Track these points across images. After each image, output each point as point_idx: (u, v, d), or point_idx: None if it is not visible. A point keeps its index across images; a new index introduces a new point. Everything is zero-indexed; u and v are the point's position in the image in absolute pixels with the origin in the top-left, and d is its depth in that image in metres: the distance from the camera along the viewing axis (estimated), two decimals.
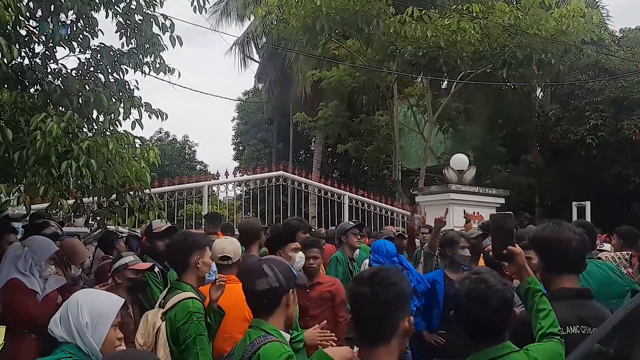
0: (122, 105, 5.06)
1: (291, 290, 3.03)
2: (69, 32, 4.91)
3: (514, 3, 15.53)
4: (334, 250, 7.31)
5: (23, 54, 4.84)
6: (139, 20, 5.24)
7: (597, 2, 21.97)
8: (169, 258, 4.21)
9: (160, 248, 5.35)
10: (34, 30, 4.87)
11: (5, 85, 4.60)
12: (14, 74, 4.65)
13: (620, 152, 19.10)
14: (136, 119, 5.16)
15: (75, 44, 5.08)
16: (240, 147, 36.44)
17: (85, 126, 4.96)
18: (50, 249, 4.51)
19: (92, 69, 5.18)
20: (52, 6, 4.68)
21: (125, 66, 5.34)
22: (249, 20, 24.82)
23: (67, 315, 2.70)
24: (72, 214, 5.66)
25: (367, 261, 6.42)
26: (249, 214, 17.49)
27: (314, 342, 3.87)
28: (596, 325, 2.94)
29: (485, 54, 15.11)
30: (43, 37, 4.88)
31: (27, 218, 6.08)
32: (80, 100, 4.68)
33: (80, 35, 5.05)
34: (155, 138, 39.99)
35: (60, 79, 4.87)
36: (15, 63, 4.61)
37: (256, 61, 29.49)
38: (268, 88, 28.00)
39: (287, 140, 29.88)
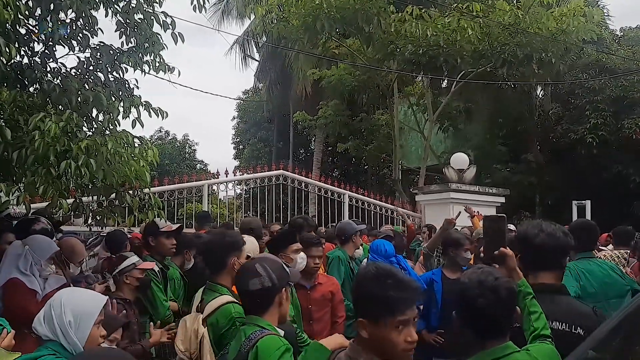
0: (121, 104, 5.05)
1: (284, 288, 3.05)
2: (68, 31, 4.91)
3: (514, 2, 15.50)
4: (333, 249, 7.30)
5: (22, 52, 4.84)
6: (139, 19, 5.23)
7: (598, 1, 21.96)
8: (204, 257, 4.16)
9: (167, 246, 5.44)
10: (34, 29, 4.87)
11: (5, 84, 4.59)
12: (13, 73, 4.64)
13: (621, 151, 19.08)
14: (136, 118, 5.15)
15: (74, 42, 5.07)
16: (241, 146, 36.44)
17: (85, 125, 4.96)
18: (50, 249, 4.51)
19: (91, 67, 5.17)
20: (52, 5, 4.67)
21: (124, 65, 5.33)
22: (249, 19, 24.80)
23: (50, 313, 2.73)
24: (72, 213, 5.65)
25: (365, 260, 6.43)
26: (249, 212, 17.50)
27: None
28: (569, 321, 3.00)
29: (486, 53, 15.10)
30: (42, 36, 4.87)
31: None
32: (79, 99, 4.67)
33: (80, 34, 5.04)
34: (156, 137, 40.04)
35: (59, 77, 4.86)
36: (14, 62, 4.61)
37: (256, 60, 29.51)
38: (268, 87, 27.99)
39: (287, 139, 29.87)
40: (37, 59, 4.91)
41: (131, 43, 5.34)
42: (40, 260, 4.39)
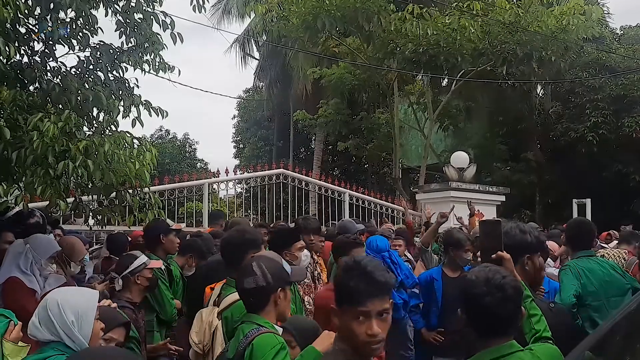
0: (121, 103, 5.05)
1: (280, 289, 3.06)
2: (68, 30, 4.91)
3: (515, 0, 15.50)
4: None
5: (22, 51, 4.84)
6: (139, 18, 5.23)
7: None
8: (223, 254, 4.18)
9: (175, 244, 5.57)
10: (33, 28, 4.87)
11: (5, 84, 4.59)
12: (13, 72, 4.64)
13: (621, 150, 19.10)
14: (136, 117, 5.15)
15: (74, 41, 5.07)
16: (241, 145, 36.44)
17: (85, 125, 4.96)
18: (51, 248, 4.51)
19: (91, 67, 5.17)
20: (52, 4, 4.67)
21: (124, 64, 5.33)
22: (250, 17, 24.82)
23: (47, 316, 2.71)
24: (72, 213, 5.67)
25: None
26: (249, 211, 17.51)
27: None
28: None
29: (486, 52, 15.09)
30: (42, 35, 4.87)
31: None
32: (79, 98, 4.67)
33: (80, 33, 5.04)
34: (156, 136, 39.96)
35: (59, 77, 4.86)
36: (14, 61, 4.61)
37: (256, 59, 29.51)
38: (268, 86, 28.00)
39: (288, 138, 29.88)
40: (37, 58, 4.91)
41: (131, 42, 5.35)
42: (40, 259, 4.39)
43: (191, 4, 5.70)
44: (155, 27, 5.32)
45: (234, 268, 3.83)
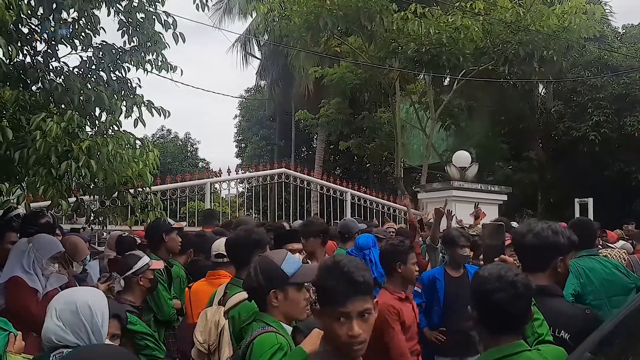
0: (124, 103, 5.05)
1: (274, 290, 3.03)
2: (70, 30, 4.91)
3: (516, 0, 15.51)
4: (335, 247, 7.31)
5: (25, 52, 4.84)
6: (141, 18, 5.24)
7: None
8: (229, 254, 4.18)
9: (177, 243, 5.64)
10: (36, 28, 4.87)
11: (7, 84, 4.60)
12: (15, 72, 4.64)
13: (623, 149, 19.08)
14: (138, 117, 5.15)
15: (77, 41, 5.07)
16: (243, 145, 36.50)
17: (88, 124, 4.96)
18: (53, 248, 4.50)
19: (93, 66, 5.17)
20: (54, 4, 4.68)
21: (127, 64, 5.33)
22: (251, 17, 24.82)
23: (79, 319, 2.67)
24: (75, 213, 5.67)
25: None
26: (251, 211, 17.51)
27: None
28: (553, 325, 2.95)
29: (488, 51, 15.09)
30: (45, 35, 4.88)
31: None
32: (81, 98, 4.67)
33: (82, 33, 5.04)
34: (158, 135, 40.05)
35: (61, 77, 4.86)
36: (17, 61, 4.61)
37: (258, 58, 29.54)
38: (270, 85, 28.03)
39: (289, 138, 29.91)
40: (39, 58, 4.91)
41: (133, 42, 5.35)
42: (42, 259, 4.39)
43: (194, 2, 5.71)
44: (158, 27, 5.33)
45: (241, 268, 3.86)
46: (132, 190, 5.28)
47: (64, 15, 4.87)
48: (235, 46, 28.05)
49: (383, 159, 24.26)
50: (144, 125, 5.23)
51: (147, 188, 5.46)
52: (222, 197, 15.01)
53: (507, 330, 2.57)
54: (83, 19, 5.01)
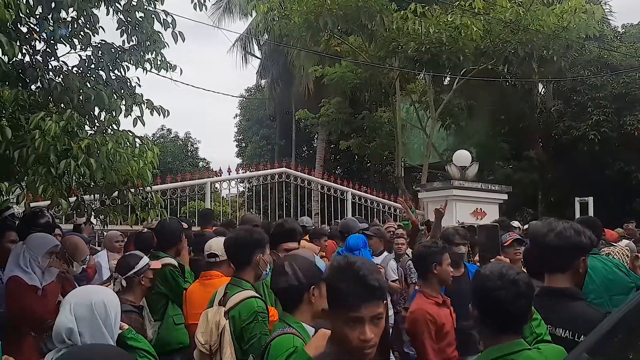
0: (123, 102, 5.04)
1: (313, 286, 3.06)
2: (69, 29, 4.91)
3: None
4: (336, 247, 7.32)
5: (24, 51, 4.83)
6: (140, 17, 5.23)
7: None
8: (229, 253, 4.17)
9: (185, 243, 5.61)
10: (35, 27, 4.87)
11: (6, 83, 4.59)
12: (14, 72, 4.63)
13: (623, 148, 19.11)
14: (137, 116, 5.14)
15: (76, 41, 5.06)
16: (243, 144, 36.50)
17: (87, 123, 4.95)
18: (46, 244, 4.51)
19: (93, 66, 5.16)
20: (53, 3, 4.67)
21: (126, 63, 5.32)
22: (251, 16, 24.82)
23: (93, 315, 2.67)
24: (75, 212, 5.66)
25: None
26: (251, 210, 17.51)
27: None
28: (573, 328, 2.91)
29: (487, 51, 15.10)
30: (44, 35, 4.87)
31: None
32: (81, 98, 4.66)
33: (81, 33, 5.02)
34: (158, 135, 39.99)
35: (61, 76, 4.86)
36: (16, 60, 4.60)
37: (258, 58, 29.54)
38: (270, 85, 28.06)
39: (290, 137, 29.92)
40: (38, 57, 4.90)
41: (132, 41, 5.33)
42: (37, 256, 4.41)
43: (192, 2, 5.70)
44: (157, 26, 5.32)
45: (241, 267, 3.85)
46: (132, 189, 5.27)
47: (63, 14, 4.85)
48: (236, 45, 28.08)
49: (384, 159, 24.25)
50: (143, 125, 5.22)
51: (148, 187, 5.45)
52: (223, 197, 15.02)
53: (507, 329, 2.56)
54: (82, 18, 4.99)
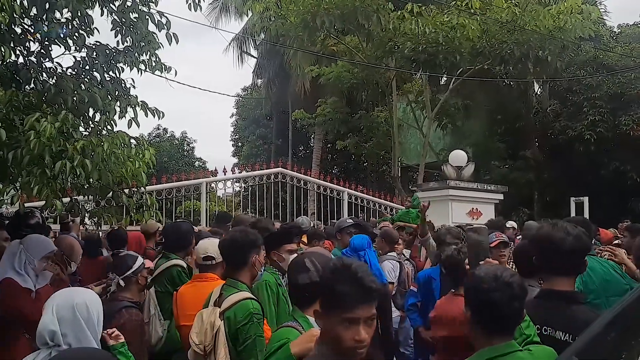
0: (117, 103, 5.04)
1: None
2: (64, 30, 4.90)
3: None
4: (332, 247, 7.31)
5: (18, 52, 4.83)
6: (135, 18, 5.22)
7: None
8: (225, 254, 4.13)
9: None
10: (29, 28, 4.86)
11: (0, 84, 4.59)
12: (8, 73, 4.62)
13: (618, 148, 19.17)
14: (132, 118, 5.13)
15: (70, 42, 5.05)
16: (239, 144, 36.49)
17: (82, 125, 4.95)
18: (45, 248, 4.50)
19: (87, 67, 5.15)
20: (47, 4, 4.66)
21: (121, 64, 5.31)
22: (247, 16, 24.80)
23: (75, 316, 2.68)
24: (69, 213, 5.66)
25: None
26: (247, 210, 17.51)
27: None
28: (572, 332, 2.90)
29: (484, 51, 15.13)
30: (38, 36, 4.86)
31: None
32: (75, 99, 4.65)
33: (76, 34, 5.02)
34: (154, 135, 39.90)
35: (55, 77, 4.85)
36: (10, 61, 4.60)
37: (254, 57, 29.52)
38: (267, 84, 28.03)
39: (286, 137, 29.91)
40: (32, 58, 4.89)
41: (127, 42, 5.32)
42: (33, 259, 4.39)
43: (187, 2, 5.69)
44: (151, 27, 5.31)
45: (236, 268, 3.84)
46: (126, 191, 5.27)
47: (57, 15, 4.85)
48: (232, 45, 28.06)
49: (380, 158, 24.28)
50: (138, 126, 5.21)
51: (142, 188, 5.44)
52: (219, 197, 15.02)
53: (500, 330, 2.57)
54: (76, 19, 4.99)
